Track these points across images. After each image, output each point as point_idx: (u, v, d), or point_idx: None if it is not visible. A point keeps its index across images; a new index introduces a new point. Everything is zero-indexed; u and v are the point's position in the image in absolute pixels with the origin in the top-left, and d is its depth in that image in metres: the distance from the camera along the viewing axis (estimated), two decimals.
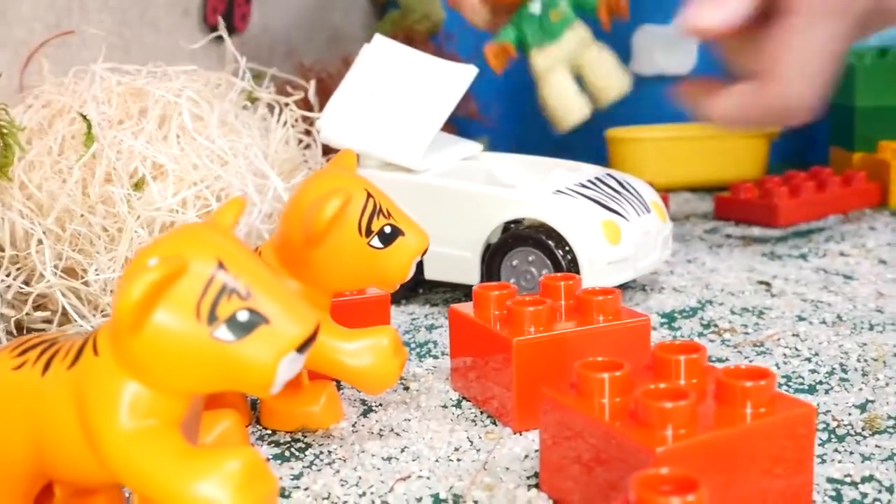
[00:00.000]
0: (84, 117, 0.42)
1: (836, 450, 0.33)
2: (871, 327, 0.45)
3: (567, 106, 0.60)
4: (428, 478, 0.32)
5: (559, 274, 0.39)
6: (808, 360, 0.41)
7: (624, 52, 0.88)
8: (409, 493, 0.31)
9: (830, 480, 0.31)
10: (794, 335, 0.44)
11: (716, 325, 0.46)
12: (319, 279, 0.33)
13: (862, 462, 0.32)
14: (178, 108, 0.45)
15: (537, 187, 0.48)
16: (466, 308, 0.39)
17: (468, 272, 0.49)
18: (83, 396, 0.25)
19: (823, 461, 0.32)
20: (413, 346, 0.45)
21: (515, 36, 0.60)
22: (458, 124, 0.95)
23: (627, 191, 0.50)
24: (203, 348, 0.24)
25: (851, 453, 0.33)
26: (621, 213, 0.47)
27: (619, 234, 0.47)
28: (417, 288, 0.51)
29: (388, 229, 0.33)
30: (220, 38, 0.68)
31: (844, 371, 0.40)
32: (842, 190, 0.68)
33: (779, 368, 0.41)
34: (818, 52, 0.46)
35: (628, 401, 0.29)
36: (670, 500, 0.22)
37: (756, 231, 0.65)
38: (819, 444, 0.33)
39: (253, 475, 0.25)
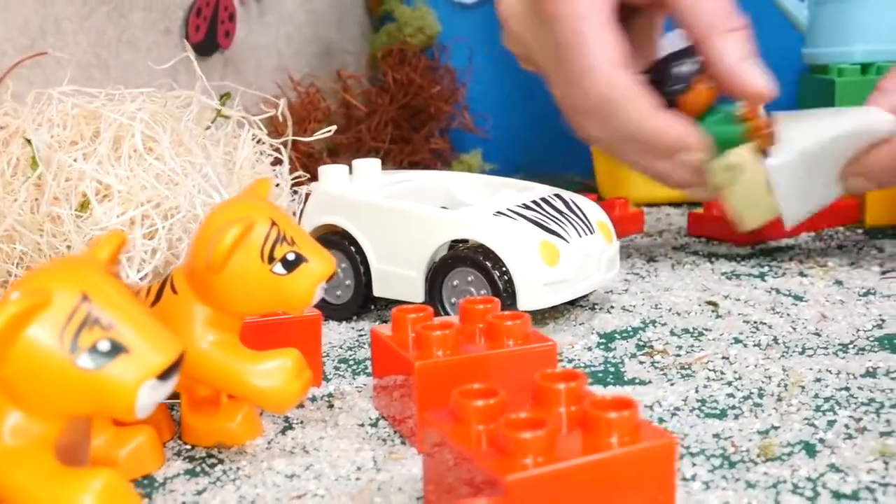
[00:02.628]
0: (29, 141, 0.44)
1: (723, 476, 0.34)
2: (803, 351, 0.46)
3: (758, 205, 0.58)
4: (322, 496, 0.33)
5: (478, 297, 0.40)
6: (730, 383, 0.42)
7: None
8: None
9: None
10: (723, 358, 0.45)
11: (650, 347, 0.47)
12: (225, 304, 0.35)
13: (745, 490, 0.33)
14: (131, 129, 0.47)
15: (478, 209, 0.49)
16: (386, 329, 0.40)
17: (413, 290, 0.50)
18: None
19: (708, 488, 0.33)
20: (352, 363, 0.47)
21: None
22: (452, 136, 0.96)
23: (572, 211, 0.51)
24: (67, 375, 0.26)
25: (738, 480, 0.33)
26: (561, 235, 0.48)
27: (557, 256, 0.47)
28: (368, 304, 0.53)
29: (290, 256, 0.35)
30: (205, 54, 0.70)
31: (761, 396, 0.41)
32: None
33: (697, 392, 0.41)
34: None
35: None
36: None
37: (723, 249, 0.66)
38: (709, 471, 0.34)
39: (115, 494, 0.26)
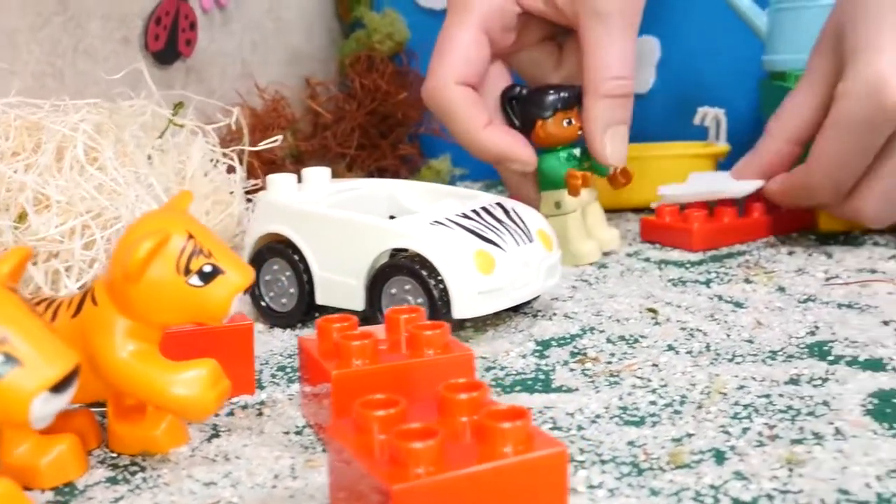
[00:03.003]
0: None
1: (629, 484, 0.34)
2: (733, 358, 0.46)
3: (583, 245, 0.65)
4: (235, 503, 0.34)
5: (404, 307, 0.41)
6: (654, 391, 0.43)
7: None
8: None
9: None
10: (653, 365, 0.46)
11: (584, 354, 0.48)
12: (143, 315, 0.36)
13: (647, 497, 0.33)
14: (73, 140, 0.48)
15: (416, 218, 0.50)
16: (312, 338, 0.41)
17: (354, 299, 0.51)
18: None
19: (612, 495, 0.34)
20: (289, 370, 0.47)
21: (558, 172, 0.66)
22: (422, 141, 0.97)
23: (512, 220, 0.51)
24: None
25: (643, 487, 0.34)
26: (498, 244, 0.49)
27: (492, 265, 0.48)
28: (312, 312, 0.53)
29: (207, 268, 0.35)
30: (165, 62, 0.71)
31: (682, 403, 0.41)
32: (769, 215, 0.69)
33: (620, 399, 0.42)
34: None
35: None
36: None
37: (675, 255, 0.67)
38: (617, 479, 0.35)
39: (9, 501, 0.27)
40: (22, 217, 0.45)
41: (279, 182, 0.55)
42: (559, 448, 0.30)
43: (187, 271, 0.35)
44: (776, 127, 0.66)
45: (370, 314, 0.50)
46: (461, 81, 0.64)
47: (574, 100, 0.65)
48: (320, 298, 0.52)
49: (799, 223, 0.70)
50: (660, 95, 0.92)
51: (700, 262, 0.64)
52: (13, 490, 0.27)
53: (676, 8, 0.91)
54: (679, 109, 0.90)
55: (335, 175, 0.83)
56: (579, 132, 0.65)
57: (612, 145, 0.65)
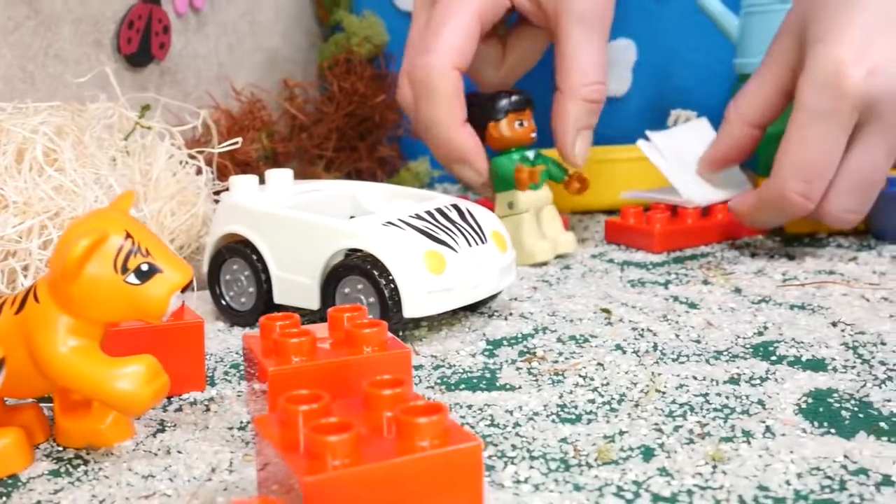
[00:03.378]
0: None
1: (555, 480, 0.35)
2: (678, 358, 0.47)
3: (535, 246, 0.66)
4: (170, 496, 0.35)
5: (347, 305, 0.42)
6: (595, 389, 0.44)
7: None
8: None
9: None
10: (598, 364, 0.47)
11: (532, 353, 0.48)
12: (82, 312, 0.36)
13: (570, 492, 0.34)
14: (33, 142, 0.49)
15: (369, 219, 0.51)
16: (256, 336, 0.41)
17: (309, 298, 0.51)
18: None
19: (537, 490, 0.35)
20: (242, 368, 0.48)
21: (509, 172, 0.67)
22: (402, 143, 0.98)
23: (466, 222, 0.52)
24: None
25: (567, 483, 0.35)
26: (449, 244, 0.50)
27: (443, 265, 0.49)
28: (270, 311, 0.54)
29: (144, 267, 0.36)
30: (138, 65, 0.72)
31: (620, 402, 0.42)
32: (733, 217, 0.69)
33: (561, 398, 0.43)
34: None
35: None
36: None
37: (639, 256, 0.67)
38: (543, 474, 0.36)
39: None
40: None
41: (241, 183, 0.56)
42: (474, 442, 0.31)
43: (125, 269, 0.36)
44: (734, 111, 0.67)
45: (325, 313, 0.50)
46: (456, 67, 0.65)
47: (526, 102, 0.66)
48: (278, 297, 0.53)
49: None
50: (635, 98, 0.93)
51: (662, 264, 0.65)
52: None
53: (652, 12, 0.92)
54: (654, 112, 0.90)
55: (313, 177, 0.84)
56: (532, 135, 0.67)
57: (580, 147, 0.67)
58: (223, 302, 0.55)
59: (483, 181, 0.68)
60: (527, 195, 0.66)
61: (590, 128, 0.68)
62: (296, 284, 0.52)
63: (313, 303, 0.51)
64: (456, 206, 0.54)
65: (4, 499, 0.35)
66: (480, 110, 0.66)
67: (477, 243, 0.51)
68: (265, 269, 0.53)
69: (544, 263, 0.66)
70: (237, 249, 0.54)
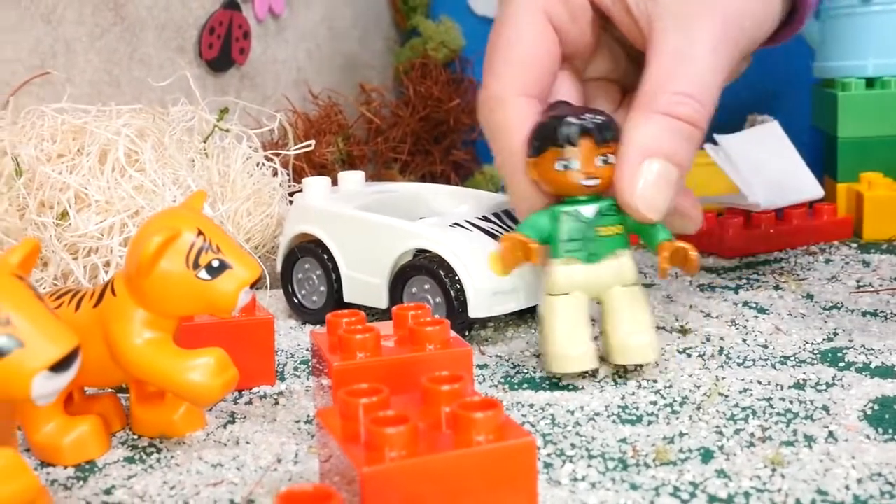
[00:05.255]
0: (14, 156, 0.48)
1: (612, 479, 0.35)
2: (742, 362, 0.47)
3: (568, 347, 0.44)
4: (236, 484, 0.36)
5: (412, 304, 0.43)
6: (657, 391, 0.44)
7: None
8: (211, 496, 0.35)
9: None
10: (662, 367, 0.47)
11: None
12: (155, 306, 0.38)
13: (626, 491, 0.34)
14: (116, 143, 0.51)
15: (437, 220, 0.52)
16: (323, 333, 0.43)
17: (378, 297, 0.52)
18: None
19: (593, 488, 0.35)
20: (311, 364, 0.49)
21: (542, 233, 0.45)
22: (477, 147, 0.99)
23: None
24: None
25: (623, 481, 0.35)
26: None
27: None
28: (341, 309, 0.55)
29: (215, 263, 0.38)
30: (219, 70, 0.74)
31: (682, 404, 0.42)
32: (808, 222, 0.68)
33: (622, 399, 0.43)
34: None
35: None
36: None
37: (710, 261, 0.67)
38: (601, 473, 0.36)
39: (12, 472, 0.29)
40: (63, 215, 0.48)
41: (314, 184, 0.57)
42: (528, 438, 0.31)
43: (196, 265, 0.37)
44: None
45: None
46: (524, 92, 0.48)
47: (580, 133, 0.43)
48: (348, 296, 0.54)
49: (840, 233, 0.70)
50: None
51: (733, 269, 0.65)
52: (15, 459, 0.30)
53: None
54: (729, 116, 0.89)
55: (388, 179, 0.86)
56: (584, 182, 0.44)
57: (646, 185, 0.43)
58: (295, 300, 0.56)
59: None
60: (568, 270, 0.44)
61: (670, 158, 0.44)
62: (365, 284, 0.53)
63: (382, 302, 0.52)
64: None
65: (82, 483, 0.37)
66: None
67: None
68: (336, 269, 0.54)
69: (587, 373, 0.46)
70: (309, 249, 0.55)
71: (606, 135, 0.43)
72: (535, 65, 0.48)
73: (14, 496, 0.29)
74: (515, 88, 0.47)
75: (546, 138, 0.44)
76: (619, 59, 0.53)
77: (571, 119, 0.43)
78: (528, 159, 0.45)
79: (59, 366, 0.29)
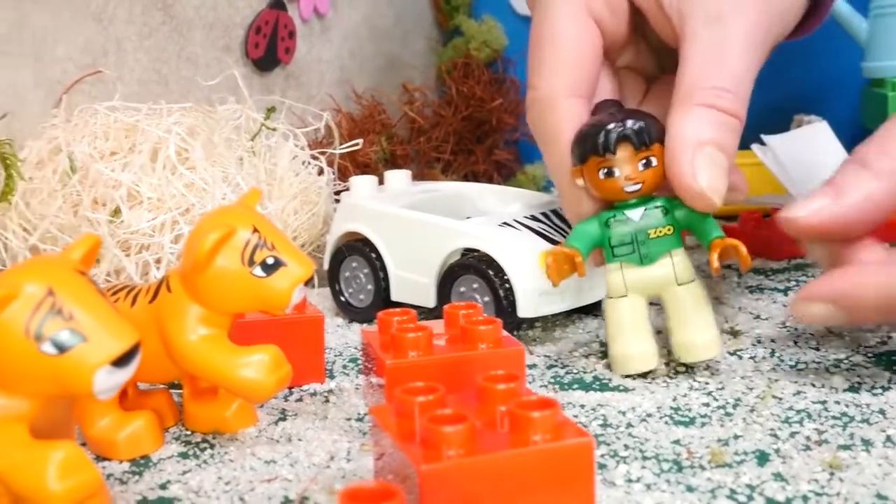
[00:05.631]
0: (68, 154, 0.48)
1: (667, 480, 0.35)
2: (795, 364, 0.46)
3: (628, 347, 0.45)
4: (290, 481, 0.36)
5: (463, 303, 0.43)
6: (709, 393, 0.43)
7: None
8: (266, 492, 0.35)
9: None
10: (714, 369, 0.46)
11: None
12: (210, 302, 0.38)
13: (682, 493, 0.34)
14: (167, 141, 0.51)
15: (485, 219, 0.51)
16: (375, 331, 0.43)
17: (426, 296, 0.52)
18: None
19: (649, 489, 0.35)
20: (359, 362, 0.50)
21: (591, 241, 0.45)
22: (520, 147, 0.98)
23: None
24: (32, 359, 0.29)
25: (679, 483, 0.35)
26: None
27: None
28: (386, 308, 0.55)
29: (270, 260, 0.38)
30: (265, 69, 0.75)
31: (735, 406, 0.42)
32: None
33: (674, 401, 0.43)
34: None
35: None
36: None
37: (757, 262, 0.66)
38: (656, 474, 0.36)
39: (75, 465, 0.30)
40: (116, 212, 0.48)
41: (361, 183, 0.57)
42: (586, 438, 0.31)
43: (251, 262, 0.38)
44: (885, 159, 0.42)
45: (441, 311, 0.52)
46: (573, 92, 0.47)
47: (622, 139, 0.43)
48: (395, 295, 0.54)
49: (890, 233, 0.69)
50: (756, 102, 0.91)
51: (782, 271, 0.64)
52: (78, 453, 0.30)
53: None
54: (776, 116, 0.89)
55: (430, 179, 0.86)
56: (629, 187, 0.44)
57: (704, 171, 0.43)
58: (342, 298, 0.56)
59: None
60: (623, 274, 0.45)
61: (719, 145, 0.44)
62: (413, 282, 0.53)
63: (429, 301, 0.52)
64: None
65: (137, 477, 0.37)
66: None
67: None
68: (383, 267, 0.54)
69: (649, 372, 0.46)
70: (356, 248, 0.55)
71: (646, 138, 0.44)
72: (582, 63, 0.48)
73: (78, 488, 0.30)
74: (565, 89, 0.47)
75: (587, 147, 0.44)
76: (642, 50, 0.53)
77: (610, 126, 0.43)
78: (572, 168, 0.45)
79: (121, 361, 0.30)
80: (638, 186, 0.44)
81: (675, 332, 0.45)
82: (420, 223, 0.52)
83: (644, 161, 0.44)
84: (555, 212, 0.53)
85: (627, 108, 0.46)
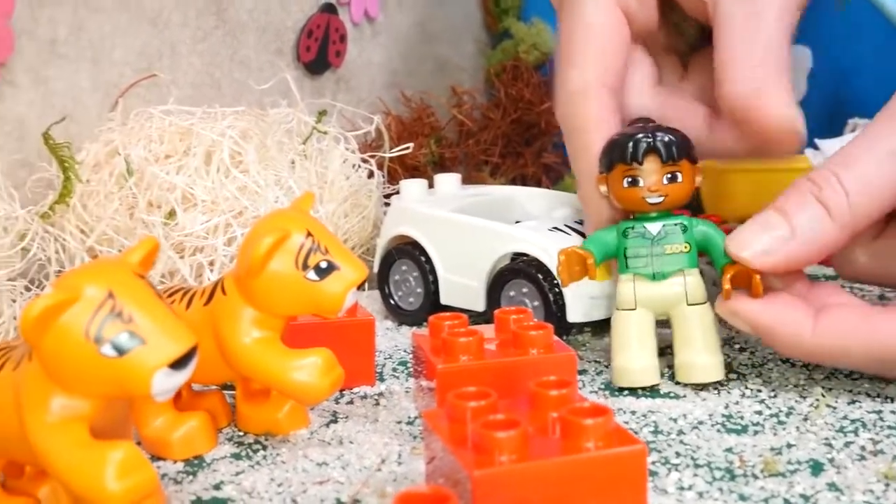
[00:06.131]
0: (124, 157, 0.49)
1: (720, 488, 0.35)
2: (850, 373, 0.46)
3: (630, 361, 0.45)
4: (342, 483, 0.37)
5: (513, 308, 0.43)
6: (762, 401, 0.43)
7: None
8: (318, 494, 0.36)
9: None
10: (766, 377, 0.46)
11: None
12: (264, 305, 0.39)
13: (735, 501, 0.34)
14: (220, 144, 0.52)
15: (535, 224, 0.51)
16: (426, 335, 0.43)
17: (475, 300, 0.53)
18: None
19: (701, 497, 0.34)
20: (409, 365, 0.50)
21: (606, 249, 0.45)
22: (566, 150, 0.98)
23: None
24: (92, 361, 0.30)
25: (732, 493, 0.35)
26: None
27: (607, 272, 0.49)
28: (437, 311, 0.55)
29: (323, 264, 0.38)
30: (316, 72, 0.75)
31: (788, 415, 0.41)
32: None
33: (726, 408, 0.42)
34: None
35: None
36: None
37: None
38: (708, 482, 0.35)
39: (133, 464, 0.30)
40: (171, 214, 0.49)
41: (411, 187, 0.58)
42: (638, 446, 0.31)
43: (305, 266, 0.38)
44: (837, 188, 0.42)
45: (490, 315, 0.52)
46: (604, 83, 0.48)
47: (649, 151, 0.44)
48: (444, 298, 0.54)
49: None
50: (811, 107, 0.90)
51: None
52: (136, 453, 0.30)
53: (829, 17, 0.89)
54: (830, 121, 0.88)
55: (479, 182, 0.86)
56: (650, 199, 0.44)
57: (783, 100, 0.46)
58: (392, 301, 0.57)
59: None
60: (634, 286, 0.45)
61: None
62: (462, 286, 0.53)
63: (479, 305, 0.52)
64: None
65: (191, 478, 0.38)
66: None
67: None
68: (433, 271, 0.54)
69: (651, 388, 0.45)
70: (406, 251, 0.55)
71: (674, 153, 0.44)
72: (613, 55, 0.49)
73: (136, 488, 0.30)
74: (597, 81, 0.48)
75: (614, 155, 0.45)
76: (671, 32, 0.53)
77: (639, 136, 0.44)
78: (598, 175, 0.46)
79: (179, 363, 0.30)
80: (660, 199, 0.44)
81: (679, 352, 0.45)
82: (470, 227, 0.52)
83: (670, 175, 0.44)
84: None
85: (660, 124, 0.46)
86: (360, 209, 0.61)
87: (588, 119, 0.47)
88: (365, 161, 0.63)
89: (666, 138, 0.44)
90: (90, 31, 0.59)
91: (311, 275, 0.38)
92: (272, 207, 0.52)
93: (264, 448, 0.40)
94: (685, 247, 0.45)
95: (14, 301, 0.44)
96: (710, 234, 0.45)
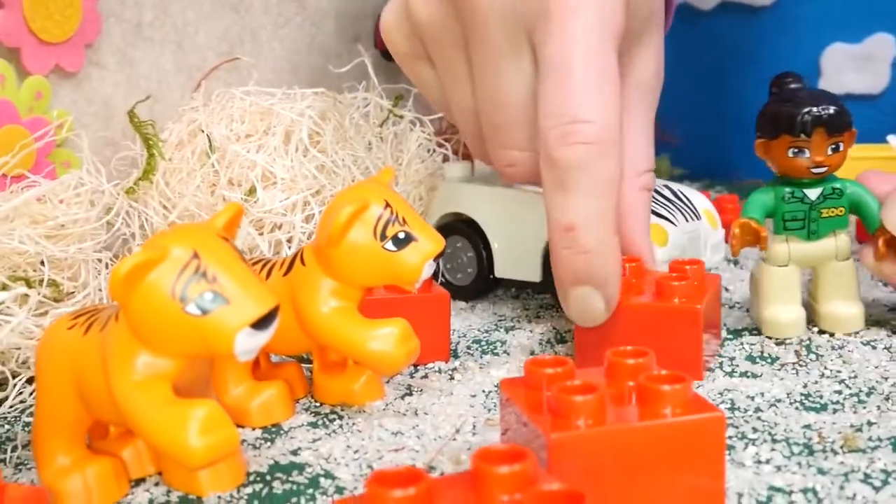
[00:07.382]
0: (207, 134, 0.50)
1: (798, 463, 0.35)
2: None
3: (781, 313, 0.48)
4: (417, 451, 0.37)
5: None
6: (842, 381, 0.42)
7: (812, 72, 0.87)
8: (393, 461, 0.36)
9: (771, 488, 0.33)
10: (846, 358, 0.45)
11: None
12: (343, 276, 0.39)
13: (814, 475, 0.34)
14: (299, 124, 0.53)
15: None
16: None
17: (531, 270, 0.52)
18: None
19: (779, 471, 0.34)
20: (484, 343, 0.50)
21: (764, 214, 0.47)
22: None
23: (679, 199, 0.53)
24: (177, 320, 0.31)
25: (810, 466, 0.34)
26: (669, 219, 0.51)
27: (665, 237, 0.50)
28: (489, 285, 0.55)
29: (401, 235, 0.39)
30: (391, 58, 0.76)
31: (868, 394, 0.41)
32: None
33: (805, 387, 0.42)
34: None
35: None
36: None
37: None
38: (786, 457, 0.35)
39: (215, 422, 0.31)
40: (251, 191, 0.50)
41: (454, 168, 0.57)
42: (717, 413, 0.31)
43: (383, 237, 0.38)
44: None
45: (546, 284, 0.51)
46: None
47: (817, 124, 0.45)
48: (499, 271, 0.54)
49: None
50: (893, 95, 0.89)
51: None
52: (219, 411, 0.31)
53: None
54: None
55: None
56: (815, 169, 0.45)
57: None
58: (443, 278, 0.56)
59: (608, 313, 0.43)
60: (789, 246, 0.47)
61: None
62: (517, 257, 0.53)
63: (535, 275, 0.52)
64: (668, 187, 0.55)
65: (269, 444, 0.39)
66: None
67: (692, 219, 0.52)
68: (486, 245, 0.54)
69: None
70: (456, 227, 0.55)
71: (839, 125, 0.45)
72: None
73: (218, 446, 0.31)
74: (618, 129, 0.42)
75: (781, 125, 0.45)
76: None
77: (808, 109, 0.45)
78: (758, 140, 0.47)
79: (261, 323, 0.31)
80: (824, 169, 0.46)
81: (824, 303, 0.48)
82: (522, 198, 0.52)
83: (834, 146, 0.45)
84: (656, 189, 0.52)
85: (813, 89, 0.47)
86: (434, 192, 0.61)
87: (616, 173, 0.43)
88: (440, 145, 0.63)
89: (832, 110, 0.45)
90: (174, 16, 0.61)
91: (389, 245, 0.39)
92: (346, 185, 0.53)
93: (340, 418, 0.41)
94: (841, 210, 0.47)
95: (99, 273, 0.46)
96: (863, 199, 0.47)
